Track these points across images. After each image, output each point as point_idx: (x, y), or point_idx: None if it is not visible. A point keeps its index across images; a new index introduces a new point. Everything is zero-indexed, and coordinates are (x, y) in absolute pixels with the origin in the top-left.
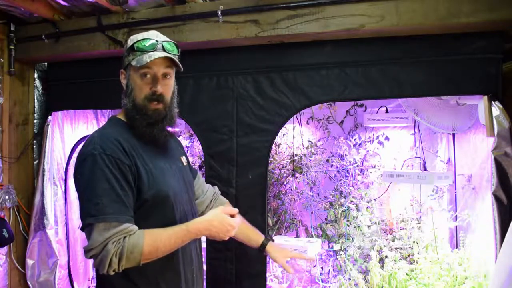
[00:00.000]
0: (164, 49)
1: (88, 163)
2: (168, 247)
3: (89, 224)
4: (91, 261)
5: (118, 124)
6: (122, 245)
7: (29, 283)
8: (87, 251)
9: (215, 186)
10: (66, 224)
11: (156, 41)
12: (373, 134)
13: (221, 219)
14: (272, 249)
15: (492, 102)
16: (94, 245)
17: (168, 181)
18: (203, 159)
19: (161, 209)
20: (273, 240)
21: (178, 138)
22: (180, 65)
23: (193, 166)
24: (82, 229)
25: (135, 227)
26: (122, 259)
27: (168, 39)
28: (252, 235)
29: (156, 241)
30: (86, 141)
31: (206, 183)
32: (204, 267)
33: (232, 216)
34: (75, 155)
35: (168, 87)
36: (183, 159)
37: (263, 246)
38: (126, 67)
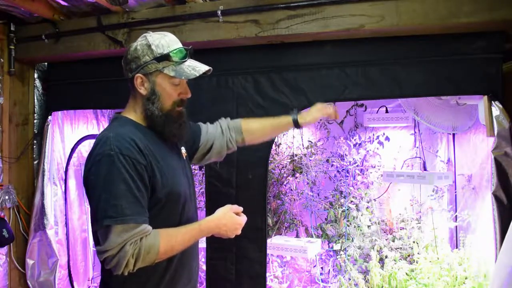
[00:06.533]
0: (190, 56)
1: (105, 164)
2: (182, 246)
3: (106, 225)
4: (91, 260)
5: (128, 124)
6: (139, 246)
7: (29, 283)
8: (102, 252)
9: (221, 122)
10: (66, 224)
11: (186, 49)
12: (373, 134)
13: (230, 217)
14: (305, 115)
15: (492, 102)
16: (111, 246)
17: (178, 179)
18: None
19: (173, 207)
20: (298, 111)
21: None
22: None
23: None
24: (96, 230)
25: (150, 228)
26: (139, 260)
27: (190, 43)
28: (279, 124)
29: (171, 240)
30: (100, 141)
31: (206, 183)
32: (204, 267)
33: (237, 214)
34: (75, 155)
35: None
36: (183, 150)
37: (295, 120)
38: (149, 73)
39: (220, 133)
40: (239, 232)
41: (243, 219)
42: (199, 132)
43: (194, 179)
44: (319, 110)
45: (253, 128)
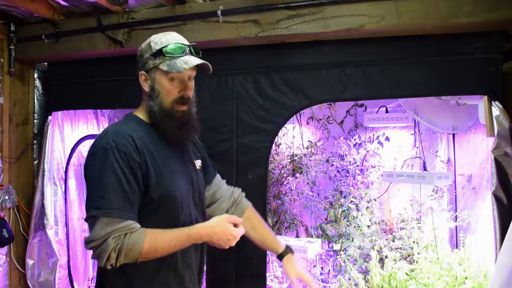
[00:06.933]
0: (191, 53)
1: (99, 156)
2: (168, 249)
3: (93, 216)
4: (91, 260)
5: (134, 121)
6: (122, 242)
7: (29, 283)
8: (87, 242)
9: (236, 190)
10: (66, 224)
11: (184, 45)
12: (373, 134)
13: (224, 227)
14: (289, 264)
15: (492, 102)
16: (95, 237)
17: (176, 182)
18: None
19: (167, 209)
20: (292, 252)
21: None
22: (211, 67)
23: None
24: (86, 219)
25: (138, 225)
26: (121, 255)
27: (191, 43)
28: (269, 243)
29: (156, 241)
30: (101, 134)
31: None
32: (204, 267)
33: (235, 225)
34: (75, 155)
35: (192, 89)
36: (197, 162)
37: (281, 256)
38: (149, 69)
39: (229, 197)
40: (232, 243)
41: (239, 231)
42: (213, 175)
43: None
44: (300, 275)
45: (252, 222)
